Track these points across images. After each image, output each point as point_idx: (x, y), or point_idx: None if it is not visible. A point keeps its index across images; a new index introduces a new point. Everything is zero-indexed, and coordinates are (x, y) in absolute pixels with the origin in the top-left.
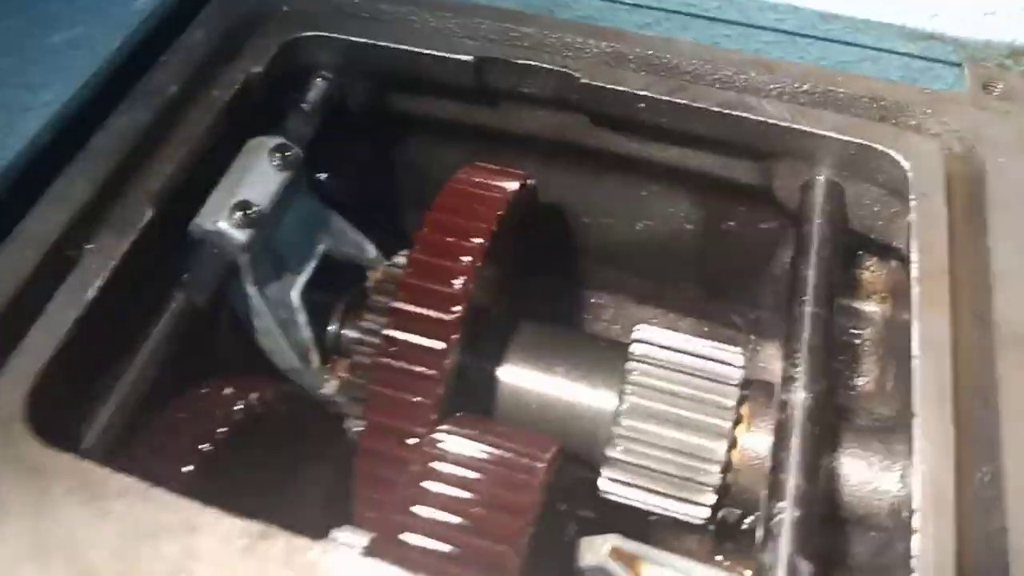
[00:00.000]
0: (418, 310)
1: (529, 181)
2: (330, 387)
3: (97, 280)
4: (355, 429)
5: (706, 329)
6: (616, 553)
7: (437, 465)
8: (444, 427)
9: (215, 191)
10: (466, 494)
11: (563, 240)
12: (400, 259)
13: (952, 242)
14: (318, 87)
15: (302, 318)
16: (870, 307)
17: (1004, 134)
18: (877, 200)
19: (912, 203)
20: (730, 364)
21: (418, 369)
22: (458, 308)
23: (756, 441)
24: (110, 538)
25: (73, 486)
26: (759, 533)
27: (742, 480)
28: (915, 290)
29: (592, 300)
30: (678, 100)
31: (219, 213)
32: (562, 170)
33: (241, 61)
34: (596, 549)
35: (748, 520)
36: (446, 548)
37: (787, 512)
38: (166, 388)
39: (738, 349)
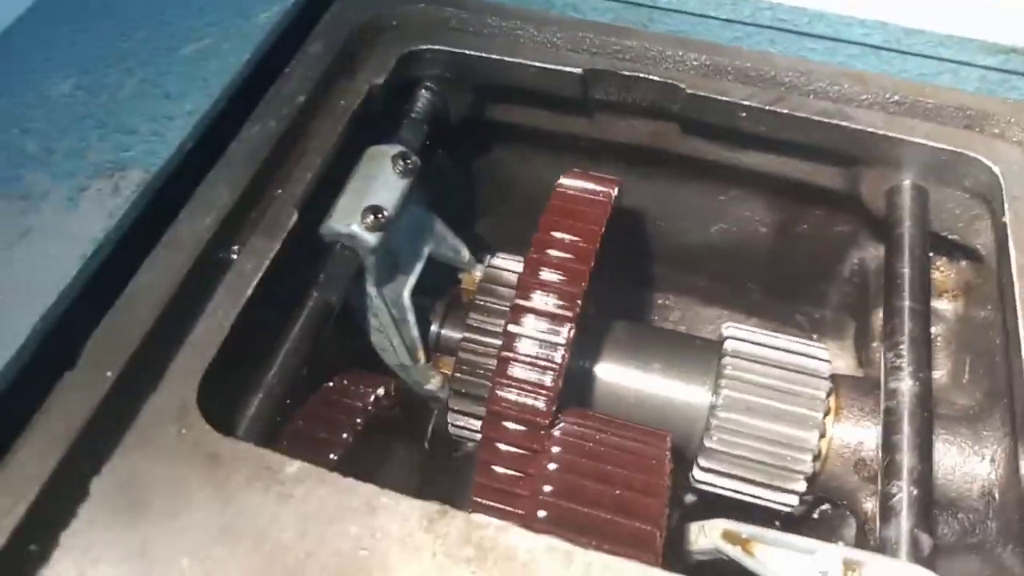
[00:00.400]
0: (538, 307)
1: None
2: (435, 383)
3: (254, 279)
4: (455, 422)
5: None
6: (728, 535)
7: (570, 452)
8: (566, 417)
9: (342, 196)
10: (604, 478)
11: (636, 243)
12: (497, 261)
13: None
14: (425, 97)
15: (412, 317)
16: (941, 304)
17: None
18: (960, 203)
19: (1006, 206)
20: (818, 358)
21: (539, 362)
22: (575, 305)
23: (844, 431)
24: (294, 520)
25: (252, 472)
26: (878, 512)
27: (829, 468)
28: (1018, 287)
29: (659, 301)
30: (780, 110)
31: (351, 217)
32: (643, 175)
33: (363, 72)
34: (709, 532)
35: (821, 509)
36: (596, 527)
37: (904, 490)
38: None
39: (823, 345)
